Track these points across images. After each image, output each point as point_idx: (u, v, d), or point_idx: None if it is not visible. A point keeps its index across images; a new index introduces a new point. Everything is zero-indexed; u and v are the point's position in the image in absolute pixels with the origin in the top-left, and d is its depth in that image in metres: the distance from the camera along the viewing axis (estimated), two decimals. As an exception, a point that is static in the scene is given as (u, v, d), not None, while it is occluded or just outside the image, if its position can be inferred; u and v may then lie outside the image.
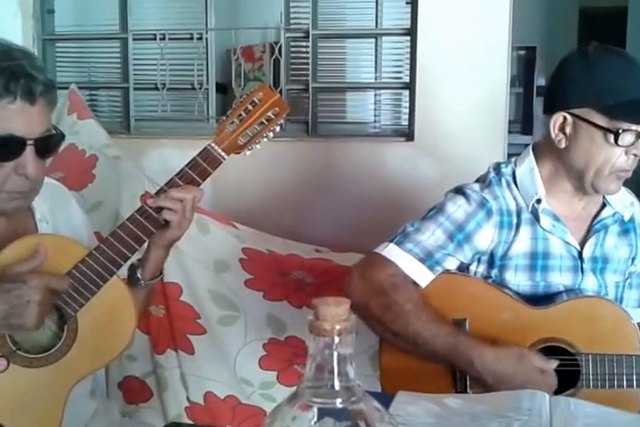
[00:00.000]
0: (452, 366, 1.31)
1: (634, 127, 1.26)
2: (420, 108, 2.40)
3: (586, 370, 1.26)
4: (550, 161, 1.38)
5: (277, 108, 1.22)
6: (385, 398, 0.64)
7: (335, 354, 0.60)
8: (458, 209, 1.37)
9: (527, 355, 1.26)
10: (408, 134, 2.45)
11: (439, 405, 1.03)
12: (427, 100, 2.39)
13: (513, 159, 1.44)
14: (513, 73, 5.23)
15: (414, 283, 1.35)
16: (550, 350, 1.30)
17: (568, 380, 1.28)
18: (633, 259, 1.45)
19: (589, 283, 1.39)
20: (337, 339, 0.60)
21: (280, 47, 2.55)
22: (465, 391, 1.30)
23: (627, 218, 1.42)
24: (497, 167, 1.43)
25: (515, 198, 1.38)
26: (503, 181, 1.39)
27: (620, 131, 1.25)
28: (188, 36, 2.65)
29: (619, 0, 4.35)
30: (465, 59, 2.34)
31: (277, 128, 1.25)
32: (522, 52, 5.37)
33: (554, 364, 1.26)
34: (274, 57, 2.57)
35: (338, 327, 0.59)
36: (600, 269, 1.40)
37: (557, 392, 1.27)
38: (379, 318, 1.31)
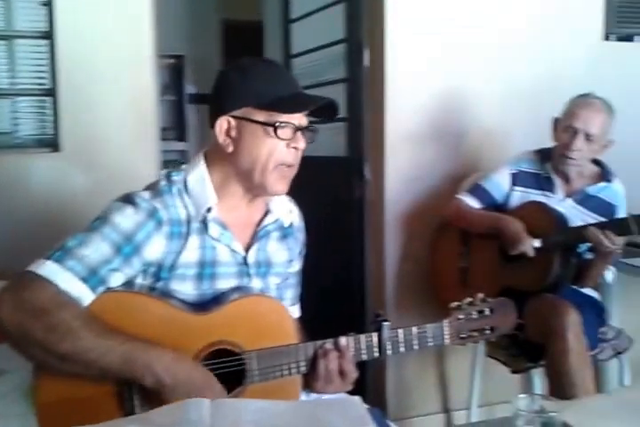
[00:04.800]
0: (121, 383, 1.25)
1: (290, 120, 1.35)
2: (66, 117, 2.27)
3: (251, 366, 1.30)
4: (221, 167, 1.40)
5: None
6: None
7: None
8: (126, 219, 1.31)
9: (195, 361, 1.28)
10: (54, 144, 2.29)
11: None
12: (73, 107, 2.27)
13: (184, 167, 1.44)
14: (165, 81, 5.30)
15: None
16: (218, 354, 1.31)
17: (237, 379, 1.31)
18: (291, 261, 1.54)
19: (255, 287, 1.44)
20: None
21: None
22: (133, 412, 1.24)
23: (286, 224, 1.51)
24: (168, 175, 1.41)
25: (185, 207, 1.37)
26: (174, 189, 1.37)
27: (278, 124, 1.34)
28: None
29: (254, 15, 4.65)
30: (110, 66, 2.28)
31: None
32: (171, 61, 5.44)
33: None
34: None
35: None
36: (263, 273, 1.46)
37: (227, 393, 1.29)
38: (42, 341, 1.20)
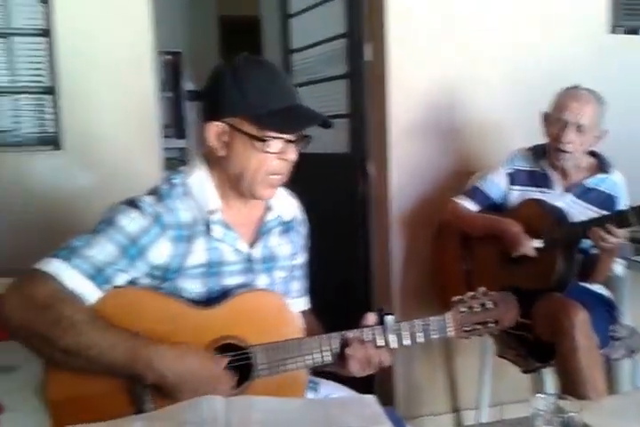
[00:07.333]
0: (129, 379, 1.25)
1: (281, 135, 1.32)
2: (67, 115, 2.25)
3: (257, 361, 1.31)
4: (219, 169, 1.40)
5: None
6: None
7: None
8: (131, 222, 1.32)
9: (203, 353, 1.28)
10: (55, 143, 2.27)
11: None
12: (74, 105, 2.26)
13: (183, 169, 1.43)
14: (162, 77, 5.27)
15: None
16: (225, 349, 1.32)
17: (245, 374, 1.31)
18: (295, 254, 1.55)
19: (261, 282, 1.45)
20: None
21: None
22: (144, 406, 1.24)
23: (287, 219, 1.51)
24: (168, 179, 1.41)
25: (189, 210, 1.37)
26: (176, 193, 1.38)
27: (269, 139, 1.31)
28: None
29: (251, 10, 4.63)
30: (109, 63, 2.27)
31: None
32: (169, 57, 5.42)
33: (223, 361, 1.28)
34: None
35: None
36: (269, 268, 1.47)
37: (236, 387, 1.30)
38: (45, 335, 1.21)
